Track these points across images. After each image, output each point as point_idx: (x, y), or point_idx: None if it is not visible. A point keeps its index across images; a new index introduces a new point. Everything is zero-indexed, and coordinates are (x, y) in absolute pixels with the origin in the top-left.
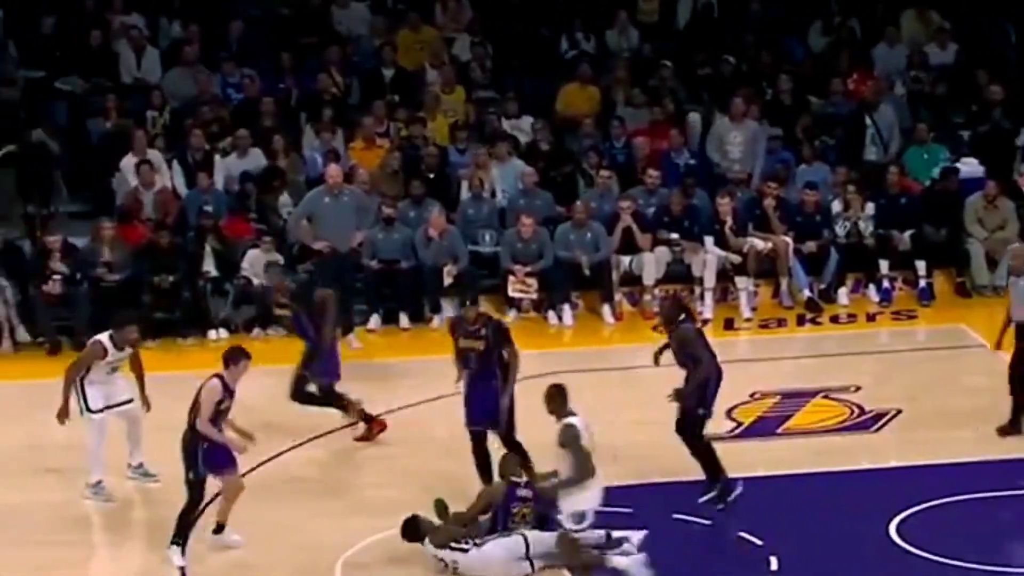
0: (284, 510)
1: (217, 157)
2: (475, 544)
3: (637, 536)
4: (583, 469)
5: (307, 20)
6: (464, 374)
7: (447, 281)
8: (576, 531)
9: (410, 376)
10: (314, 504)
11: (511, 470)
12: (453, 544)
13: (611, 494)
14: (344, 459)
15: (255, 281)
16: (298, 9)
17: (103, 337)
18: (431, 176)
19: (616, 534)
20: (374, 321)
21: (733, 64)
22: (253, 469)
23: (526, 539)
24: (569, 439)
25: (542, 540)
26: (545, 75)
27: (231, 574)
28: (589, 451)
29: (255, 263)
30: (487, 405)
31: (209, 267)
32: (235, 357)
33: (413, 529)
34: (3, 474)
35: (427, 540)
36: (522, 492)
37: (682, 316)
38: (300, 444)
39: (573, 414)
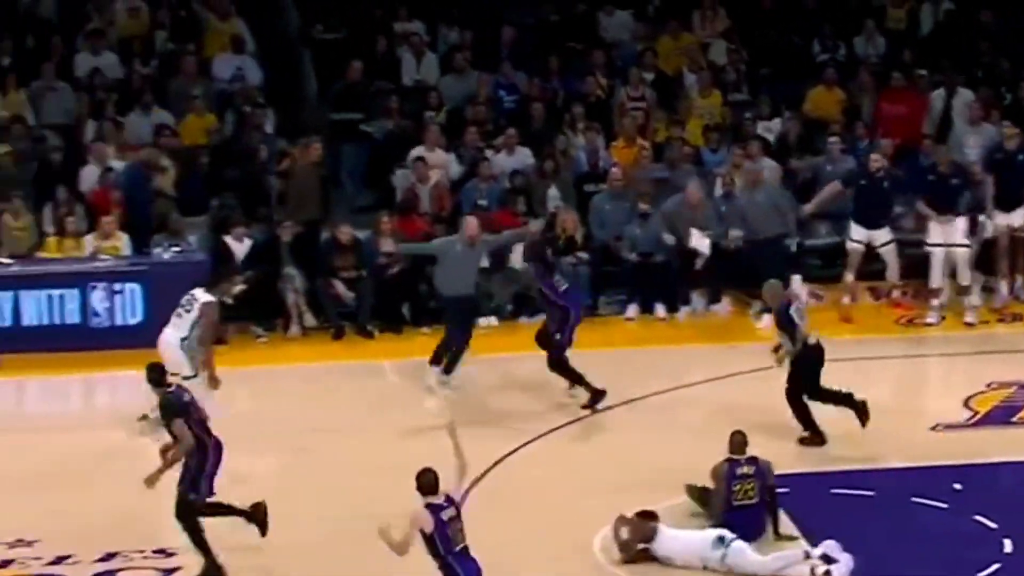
0: (537, 493)
1: (490, 153)
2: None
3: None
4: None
5: (574, 26)
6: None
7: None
8: None
9: (664, 364)
10: (560, 488)
11: (734, 448)
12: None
13: (852, 478)
14: (586, 443)
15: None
16: (566, 16)
17: (212, 296)
18: None
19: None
20: (632, 310)
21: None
22: (515, 451)
23: (731, 540)
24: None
25: (741, 551)
26: (796, 79)
27: (499, 551)
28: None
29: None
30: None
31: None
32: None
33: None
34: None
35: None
36: (743, 469)
37: None
38: (551, 431)
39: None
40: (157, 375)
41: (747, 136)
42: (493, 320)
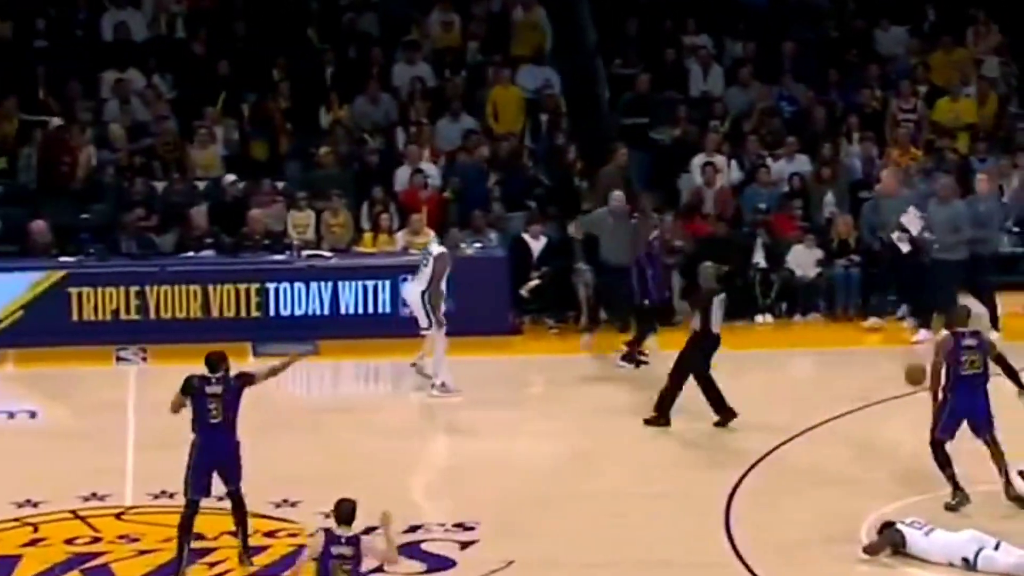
0: (803, 483)
1: (770, 160)
2: (925, 529)
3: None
4: None
5: (851, 41)
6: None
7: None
8: None
9: None
10: (825, 479)
11: (960, 322)
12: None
13: None
14: (854, 437)
15: (798, 273)
16: (844, 31)
17: (443, 248)
18: None
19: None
20: (902, 310)
21: None
22: (785, 443)
23: (980, 549)
24: None
25: (992, 559)
26: None
27: (759, 539)
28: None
29: (798, 257)
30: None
31: (759, 258)
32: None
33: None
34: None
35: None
36: (968, 341)
37: None
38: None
39: None
40: (212, 362)
41: (1017, 147)
42: (769, 317)
